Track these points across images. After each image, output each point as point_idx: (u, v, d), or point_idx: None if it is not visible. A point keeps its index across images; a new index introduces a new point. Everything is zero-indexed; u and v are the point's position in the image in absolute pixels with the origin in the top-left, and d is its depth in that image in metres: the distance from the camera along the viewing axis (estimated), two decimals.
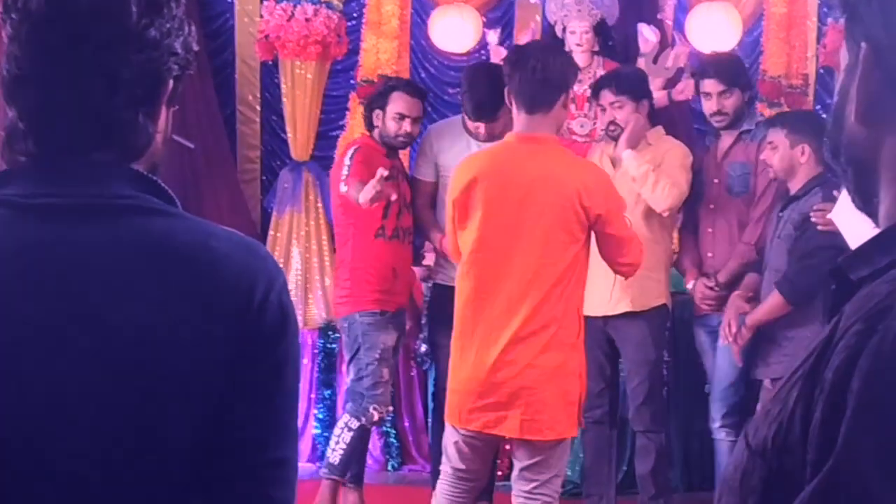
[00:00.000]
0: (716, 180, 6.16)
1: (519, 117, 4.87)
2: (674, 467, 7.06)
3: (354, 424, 6.44)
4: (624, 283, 6.11)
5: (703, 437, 6.63)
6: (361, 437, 6.54)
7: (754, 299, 5.88)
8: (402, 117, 6.51)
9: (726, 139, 6.18)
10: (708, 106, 6.20)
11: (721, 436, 6.14)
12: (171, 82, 1.71)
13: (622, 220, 4.89)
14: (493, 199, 4.78)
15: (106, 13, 1.62)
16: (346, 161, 6.32)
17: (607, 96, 6.25)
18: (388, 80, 7.18)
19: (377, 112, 6.58)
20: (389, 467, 7.70)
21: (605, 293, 6.17)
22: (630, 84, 6.32)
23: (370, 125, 6.63)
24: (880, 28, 1.19)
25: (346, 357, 6.63)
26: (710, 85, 6.18)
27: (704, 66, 6.46)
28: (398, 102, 6.53)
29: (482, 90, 6.17)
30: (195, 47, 1.74)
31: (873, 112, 1.21)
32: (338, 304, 6.67)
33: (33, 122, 1.64)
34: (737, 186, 6.12)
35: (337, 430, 6.51)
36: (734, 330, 5.78)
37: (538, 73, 4.76)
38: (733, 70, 6.24)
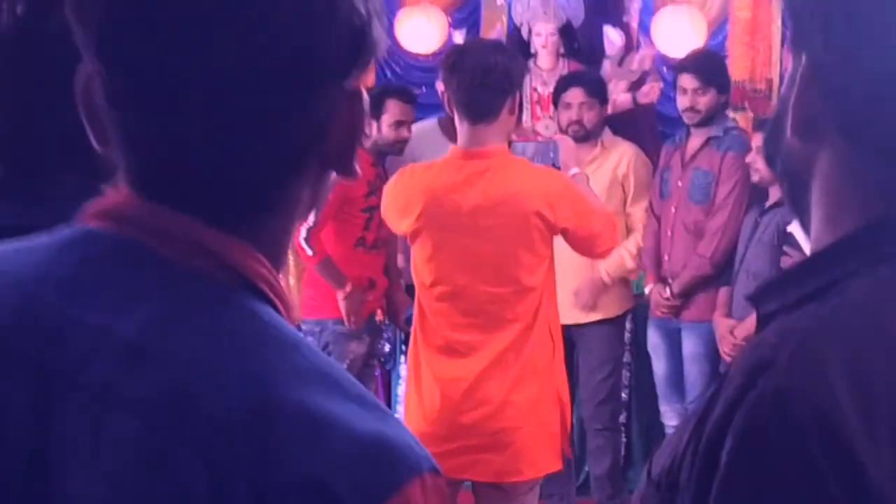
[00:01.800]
0: (680, 183, 6.16)
1: (461, 128, 4.32)
2: (636, 467, 7.08)
3: None
4: (594, 293, 6.16)
5: (665, 437, 6.65)
6: None
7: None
8: (399, 124, 6.46)
9: (695, 140, 6.16)
10: (682, 101, 6.16)
11: None
12: None
13: (590, 216, 4.36)
14: (443, 227, 4.30)
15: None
16: None
17: (577, 95, 6.25)
18: (376, 87, 7.03)
19: (369, 121, 6.50)
20: None
21: (568, 301, 6.18)
22: (599, 88, 6.36)
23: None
24: (819, 44, 1.17)
25: None
26: (686, 80, 6.12)
27: (684, 61, 6.40)
28: (394, 110, 6.45)
29: None
30: None
31: (808, 127, 1.20)
32: (308, 305, 6.56)
33: (1, 144, 1.61)
34: (697, 194, 6.10)
35: None
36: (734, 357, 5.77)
37: (478, 77, 4.20)
38: (712, 68, 6.19)
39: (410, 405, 4.48)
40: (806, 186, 1.22)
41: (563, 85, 6.43)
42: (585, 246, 4.50)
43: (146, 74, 1.04)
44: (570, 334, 6.30)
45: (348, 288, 6.20)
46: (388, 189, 4.56)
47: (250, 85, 1.04)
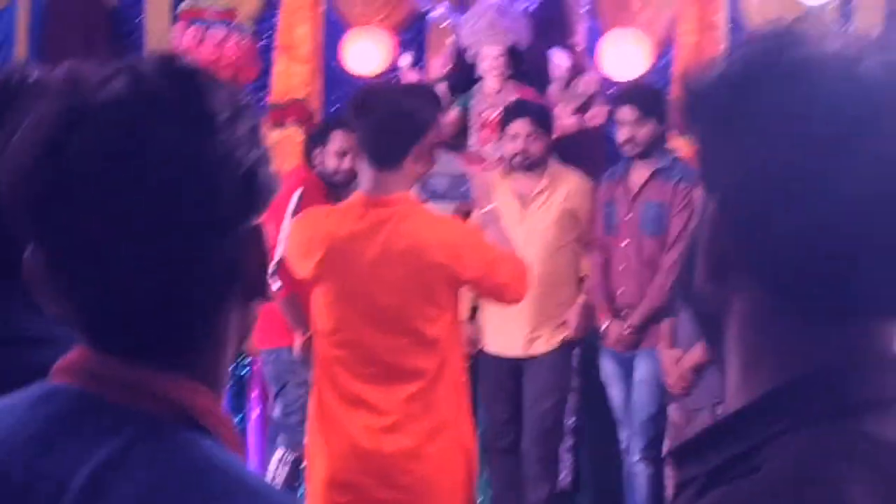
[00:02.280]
0: (629, 216, 6.16)
1: (366, 173, 4.17)
2: (586, 490, 7.09)
3: (290, 457, 6.43)
4: (538, 324, 6.15)
5: (613, 463, 6.67)
6: (296, 468, 6.54)
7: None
8: (343, 154, 6.42)
9: (640, 172, 6.16)
10: (621, 133, 6.19)
11: (640, 469, 6.17)
12: None
13: (497, 266, 4.20)
14: (343, 276, 4.16)
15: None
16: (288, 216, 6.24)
17: (523, 126, 6.22)
18: (330, 118, 7.06)
19: (318, 149, 6.50)
20: (300, 494, 7.65)
21: (519, 335, 6.19)
22: (545, 118, 6.34)
23: (311, 163, 6.54)
24: (730, 184, 1.12)
25: (273, 390, 6.57)
26: (624, 112, 6.16)
27: (621, 94, 6.48)
28: (338, 140, 6.42)
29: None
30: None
31: (721, 272, 1.14)
32: (263, 334, 6.48)
33: None
34: (650, 226, 6.11)
35: (272, 465, 6.47)
36: (685, 383, 5.77)
37: (385, 121, 4.05)
38: (650, 99, 6.24)
39: (316, 453, 4.35)
40: (721, 332, 1.17)
41: (508, 115, 6.40)
42: (493, 296, 4.44)
43: (77, 246, 1.22)
44: (518, 363, 6.31)
45: (305, 332, 6.12)
46: (291, 231, 4.41)
47: (162, 240, 1.22)
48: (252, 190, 1.28)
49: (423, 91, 4.65)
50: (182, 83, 1.26)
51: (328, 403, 4.27)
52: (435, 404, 4.20)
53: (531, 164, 6.24)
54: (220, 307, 1.29)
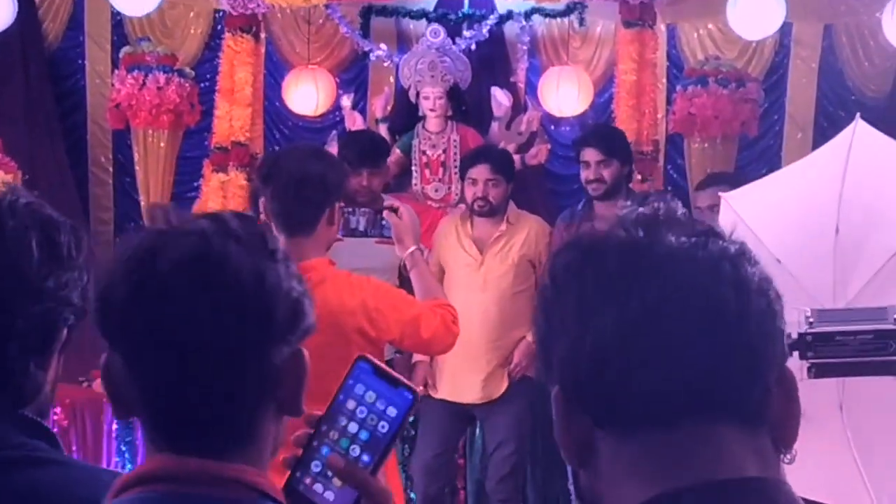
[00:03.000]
0: None
1: (279, 241, 4.03)
2: None
3: None
4: (494, 368, 6.11)
5: (560, 501, 6.69)
6: None
7: None
8: None
9: (607, 212, 6.08)
10: (585, 174, 6.17)
11: None
12: (65, 331, 1.73)
13: (418, 322, 4.08)
14: None
15: (6, 263, 1.62)
16: None
17: (484, 171, 6.14)
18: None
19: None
20: None
21: (474, 380, 6.14)
22: (506, 164, 6.27)
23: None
24: (568, 378, 1.16)
25: None
26: (589, 154, 6.16)
27: (585, 136, 6.47)
28: None
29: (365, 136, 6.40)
30: (90, 293, 1.72)
31: (585, 457, 1.18)
32: None
33: None
34: None
35: None
36: None
37: (292, 188, 3.94)
38: (614, 140, 6.27)
39: None
40: None
41: (469, 160, 6.33)
42: (420, 350, 4.53)
43: (153, 349, 1.42)
44: (471, 409, 6.26)
45: None
46: None
47: (226, 345, 1.42)
48: (297, 316, 1.49)
49: (326, 154, 4.50)
50: (251, 225, 1.53)
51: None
52: None
53: (492, 211, 6.19)
54: (263, 411, 1.49)
